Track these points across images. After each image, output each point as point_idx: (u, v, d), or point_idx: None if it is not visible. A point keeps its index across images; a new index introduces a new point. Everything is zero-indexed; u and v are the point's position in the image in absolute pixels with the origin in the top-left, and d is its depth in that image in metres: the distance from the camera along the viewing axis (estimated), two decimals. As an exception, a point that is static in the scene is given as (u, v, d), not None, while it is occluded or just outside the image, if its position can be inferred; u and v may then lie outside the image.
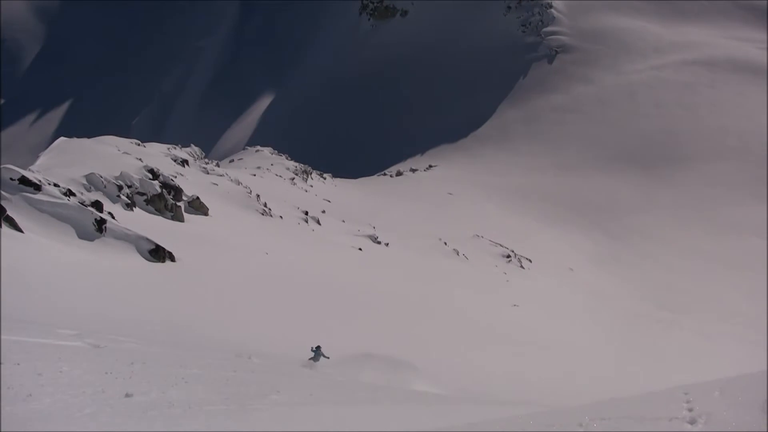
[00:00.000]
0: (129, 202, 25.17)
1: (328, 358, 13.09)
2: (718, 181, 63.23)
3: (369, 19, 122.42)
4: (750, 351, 27.01)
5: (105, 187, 24.51)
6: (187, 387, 8.14)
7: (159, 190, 26.89)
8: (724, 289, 41.54)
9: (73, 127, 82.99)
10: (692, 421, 4.56)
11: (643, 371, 20.55)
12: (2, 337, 8.29)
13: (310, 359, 12.99)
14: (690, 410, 4.74)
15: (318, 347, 13.12)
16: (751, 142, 68.88)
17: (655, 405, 5.14)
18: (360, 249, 34.00)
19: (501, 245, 45.40)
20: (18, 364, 7.28)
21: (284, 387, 9.78)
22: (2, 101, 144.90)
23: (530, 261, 43.76)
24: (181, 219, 27.05)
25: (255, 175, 48.84)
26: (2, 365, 7.05)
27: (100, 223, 18.56)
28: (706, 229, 54.30)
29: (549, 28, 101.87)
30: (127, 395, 7.02)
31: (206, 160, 47.52)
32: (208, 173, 39.77)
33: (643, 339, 29.12)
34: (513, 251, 44.11)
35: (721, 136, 71.47)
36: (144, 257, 18.60)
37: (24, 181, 18.68)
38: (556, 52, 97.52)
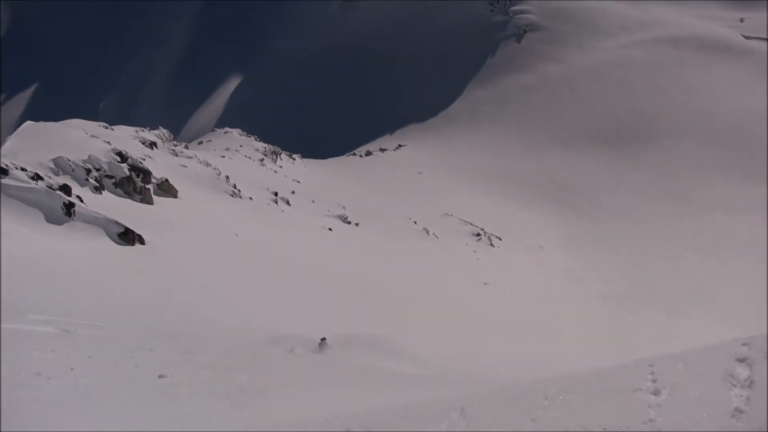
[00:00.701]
0: (97, 185, 24.91)
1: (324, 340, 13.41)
2: (686, 160, 63.57)
3: (337, 0, 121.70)
4: (718, 329, 27.39)
5: (73, 170, 24.22)
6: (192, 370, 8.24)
7: (127, 172, 26.62)
8: (693, 267, 41.90)
9: (39, 112, 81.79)
10: (656, 392, 4.67)
11: (612, 348, 20.80)
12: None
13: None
14: (654, 381, 4.84)
15: (323, 339, 13.46)
16: (719, 121, 69.27)
17: (620, 377, 5.23)
18: (330, 229, 33.98)
19: (471, 224, 45.56)
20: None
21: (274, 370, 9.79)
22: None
23: (500, 239, 43.97)
24: (150, 202, 26.84)
25: (224, 156, 48.46)
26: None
27: (69, 207, 18.36)
28: (674, 208, 54.70)
29: (517, 7, 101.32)
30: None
31: (175, 143, 47.04)
32: (176, 155, 39.40)
33: (612, 317, 29.43)
34: (483, 230, 44.29)
35: (689, 115, 71.77)
36: (113, 240, 18.44)
37: (-10, 165, 18.43)
38: (525, 31, 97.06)
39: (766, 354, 4.78)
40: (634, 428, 4.25)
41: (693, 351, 5.33)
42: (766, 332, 5.27)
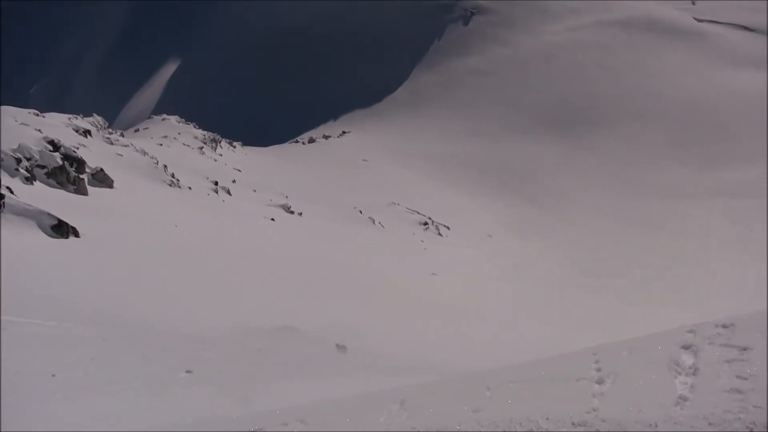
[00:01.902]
0: (28, 175, 24.15)
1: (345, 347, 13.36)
2: (638, 144, 64.19)
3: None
4: (670, 314, 27.79)
5: (2, 160, 23.45)
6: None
7: (60, 162, 25.87)
8: (646, 253, 42.38)
9: (-34, 99, 79.30)
10: (600, 381, 4.62)
11: (562, 336, 20.93)
12: None
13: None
14: (598, 370, 4.79)
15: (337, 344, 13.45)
16: (670, 105, 70.02)
17: (565, 366, 5.17)
18: (273, 219, 33.64)
19: (418, 212, 45.56)
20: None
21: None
22: None
23: (448, 228, 44.06)
24: (84, 192, 26.15)
25: (162, 144, 47.62)
26: None
27: (-2, 199, 17.75)
28: (627, 193, 55.22)
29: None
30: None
31: (110, 130, 46.03)
32: (112, 144, 38.54)
33: (564, 305, 29.64)
34: (430, 218, 44.33)
35: (640, 99, 72.40)
36: (46, 233, 17.87)
37: None
38: (472, 14, 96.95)
39: (711, 341, 4.75)
40: (577, 417, 4.19)
41: (638, 339, 5.30)
42: (716, 317, 5.25)
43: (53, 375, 7.59)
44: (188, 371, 8.92)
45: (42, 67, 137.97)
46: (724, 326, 4.94)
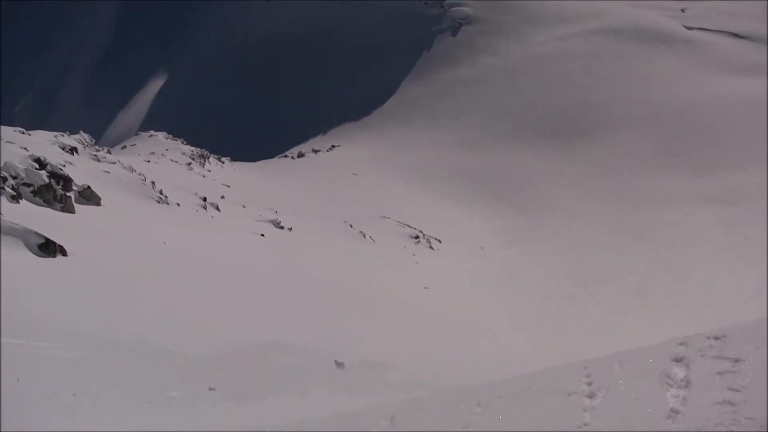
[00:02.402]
0: (15, 194, 24.01)
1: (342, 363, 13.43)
2: (629, 152, 64.06)
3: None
4: (664, 322, 27.78)
5: (-12, 179, 23.35)
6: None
7: (47, 180, 25.73)
8: (639, 262, 42.09)
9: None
10: (591, 395, 4.58)
11: (554, 348, 20.89)
12: None
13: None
14: (589, 384, 4.75)
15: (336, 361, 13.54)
16: (661, 112, 69.96)
17: (556, 380, 5.12)
18: (262, 235, 33.54)
19: (409, 226, 45.48)
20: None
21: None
22: None
23: (439, 241, 44.00)
24: (71, 210, 26.01)
25: (149, 161, 47.48)
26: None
27: (-17, 218, 17.63)
28: (619, 201, 55.04)
29: (451, 0, 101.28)
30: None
31: (97, 147, 45.84)
32: (99, 161, 38.39)
33: (556, 315, 29.61)
34: (421, 231, 44.25)
35: (630, 107, 72.34)
36: (33, 252, 17.74)
37: None
38: (460, 24, 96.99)
39: (702, 353, 4.71)
40: (569, 432, 4.14)
41: (629, 351, 5.25)
42: (708, 327, 5.22)
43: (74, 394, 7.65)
44: (211, 389, 9.13)
45: (27, 84, 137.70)
46: (716, 338, 4.90)
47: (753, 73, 75.01)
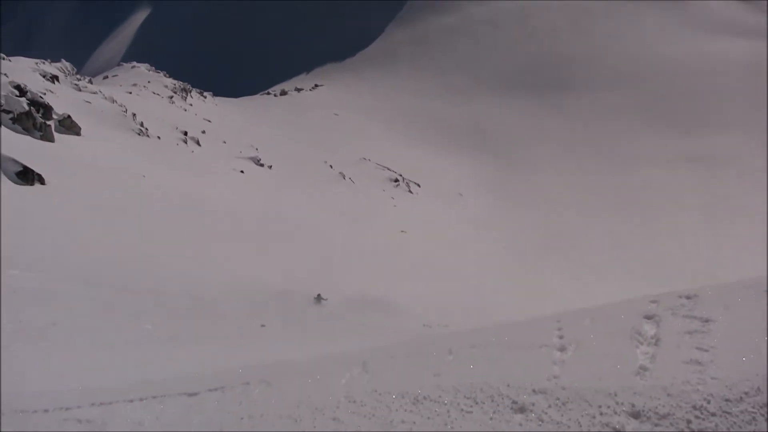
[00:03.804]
0: (-7, 120, 23.70)
1: (326, 299, 13.79)
2: (612, 110, 63.97)
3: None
4: (634, 281, 28.03)
5: (-34, 104, 22.98)
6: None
7: (27, 107, 25.35)
8: (614, 221, 42.39)
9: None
10: (561, 348, 4.63)
11: (526, 300, 21.07)
12: None
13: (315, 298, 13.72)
14: (560, 338, 4.80)
15: (318, 295, 13.97)
16: (646, 71, 69.78)
17: (527, 333, 5.17)
18: (242, 171, 33.39)
19: (389, 169, 45.43)
20: None
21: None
22: None
23: (419, 186, 44.01)
24: (51, 139, 25.70)
25: (131, 92, 46.89)
26: None
27: (-40, 144, 17.38)
28: (598, 160, 55.11)
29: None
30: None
31: (78, 77, 45.26)
32: (80, 90, 37.88)
33: (529, 269, 29.81)
34: (401, 175, 44.22)
35: (616, 64, 72.13)
36: (11, 180, 17.57)
37: None
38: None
39: (673, 312, 4.77)
40: (538, 384, 4.21)
41: (601, 307, 5.30)
42: (680, 288, 5.27)
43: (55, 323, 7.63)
44: (262, 325, 9.15)
45: (9, 9, 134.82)
46: (688, 297, 4.95)
47: (742, 35, 74.80)
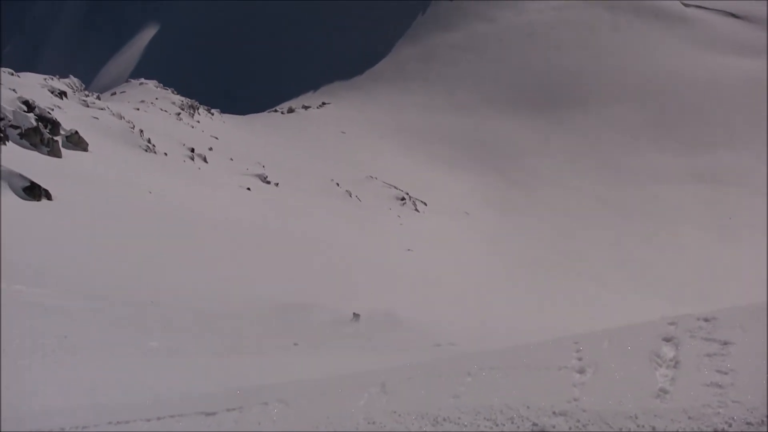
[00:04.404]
0: (1, 135, 23.78)
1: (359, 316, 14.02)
2: (618, 126, 63.92)
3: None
4: (644, 298, 27.97)
5: (-25, 120, 23.10)
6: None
7: (34, 123, 25.47)
8: (622, 236, 42.32)
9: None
10: (581, 371, 4.62)
11: (537, 319, 21.03)
12: None
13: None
14: (579, 359, 4.79)
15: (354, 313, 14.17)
16: (653, 88, 69.75)
17: (546, 354, 5.17)
18: (248, 189, 33.45)
19: (395, 187, 45.49)
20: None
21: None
22: None
23: (425, 204, 44.03)
24: (58, 155, 25.81)
25: (138, 109, 47.10)
26: None
27: (-31, 159, 17.45)
28: (604, 176, 55.06)
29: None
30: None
31: (86, 93, 45.46)
32: (88, 106, 38.07)
33: (539, 286, 29.75)
34: (407, 193, 44.26)
35: (622, 81, 72.05)
36: (18, 195, 17.63)
37: None
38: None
39: (692, 334, 4.77)
40: (558, 406, 4.20)
41: (619, 329, 5.31)
42: (693, 308, 5.27)
43: (65, 336, 7.61)
44: (295, 344, 9.14)
45: (17, 25, 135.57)
46: (706, 320, 4.95)
47: (747, 53, 74.87)
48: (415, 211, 42.02)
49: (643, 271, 35.85)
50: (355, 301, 16.62)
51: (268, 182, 37.17)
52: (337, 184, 41.73)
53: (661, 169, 55.09)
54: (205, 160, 37.78)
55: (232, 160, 41.03)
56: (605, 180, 54.01)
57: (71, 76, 45.51)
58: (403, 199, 43.08)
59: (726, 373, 4.19)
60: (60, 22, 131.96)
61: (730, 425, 3.74)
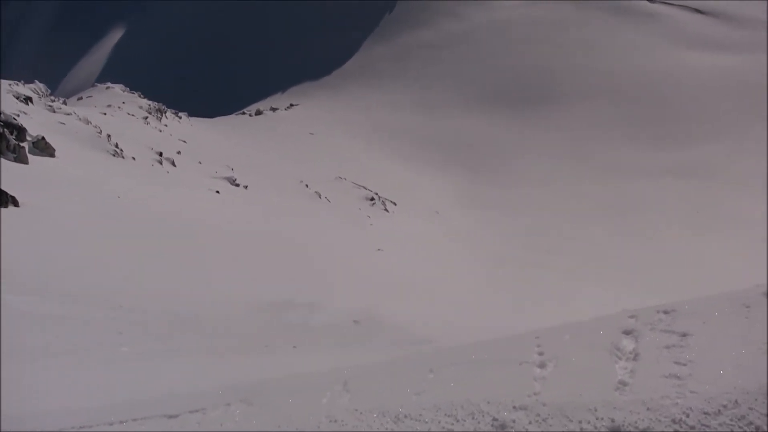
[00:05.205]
0: (-35, 142, 23.49)
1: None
2: (590, 121, 64.43)
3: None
4: (618, 292, 28.13)
5: (-62, 126, 22.76)
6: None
7: (0, 129, 25.19)
8: (596, 230, 42.61)
9: None
10: (542, 365, 4.66)
11: (512, 316, 21.09)
12: None
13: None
14: (540, 354, 4.83)
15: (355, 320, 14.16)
16: (621, 84, 70.43)
17: (507, 349, 5.20)
18: (217, 192, 33.28)
19: (365, 187, 45.47)
20: None
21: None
22: None
23: (395, 204, 44.04)
24: (24, 161, 25.50)
25: (105, 113, 46.65)
26: None
27: (-68, 166, 17.19)
28: (578, 171, 55.40)
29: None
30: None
31: (52, 98, 44.98)
32: (54, 112, 37.65)
33: (513, 283, 29.84)
34: (377, 194, 44.26)
35: (592, 76, 72.69)
36: (-17, 202, 17.40)
37: None
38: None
39: (652, 326, 4.82)
40: (518, 401, 4.24)
41: (580, 323, 5.35)
42: (659, 300, 5.32)
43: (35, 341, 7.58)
44: (266, 345, 9.04)
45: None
46: (665, 312, 5.00)
47: (713, 48, 75.87)
48: (385, 211, 42.03)
49: (618, 265, 36.10)
50: (328, 301, 16.61)
51: (237, 185, 37.01)
52: (307, 186, 41.66)
53: (634, 164, 55.61)
54: (173, 163, 37.54)
55: (200, 163, 40.81)
56: (579, 176, 54.37)
57: (36, 82, 45.05)
58: (372, 199, 43.10)
59: (684, 365, 4.24)
60: (25, 27, 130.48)
61: (688, 415, 3.79)
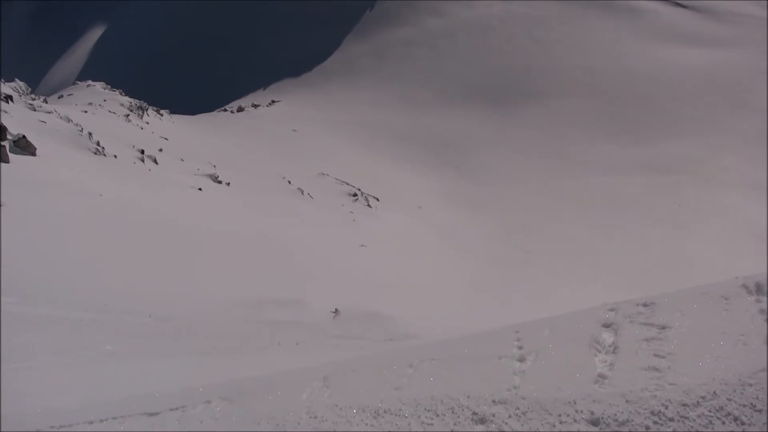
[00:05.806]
0: (-56, 141, 23.28)
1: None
2: (570, 118, 64.66)
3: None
4: (598, 288, 28.30)
5: None
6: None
7: (-21, 128, 24.99)
8: (576, 227, 42.84)
9: None
10: (521, 359, 4.67)
11: (492, 310, 21.15)
12: None
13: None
14: (520, 348, 4.85)
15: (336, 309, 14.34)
16: (602, 80, 70.78)
17: (487, 344, 5.22)
18: (200, 189, 33.14)
19: (347, 183, 45.42)
20: None
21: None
22: None
23: (377, 200, 44.01)
24: (5, 160, 25.28)
25: (86, 111, 46.34)
26: None
27: None
28: (558, 168, 55.59)
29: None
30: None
31: (33, 96, 44.66)
32: (35, 110, 37.36)
33: (492, 278, 29.94)
34: (360, 189, 44.23)
35: (572, 73, 73.00)
36: (-37, 202, 17.27)
37: None
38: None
39: (631, 319, 4.84)
40: (498, 395, 4.25)
41: (560, 316, 5.38)
42: (639, 294, 5.35)
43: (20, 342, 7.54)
44: (279, 344, 8.91)
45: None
46: (645, 305, 5.03)
47: (693, 43, 76.31)
48: (368, 207, 42.01)
49: (597, 261, 36.33)
50: (311, 298, 16.60)
51: (220, 182, 36.88)
52: (289, 182, 41.57)
53: (612, 160, 55.88)
54: (155, 161, 37.35)
55: (182, 160, 40.63)
56: (558, 173, 54.53)
57: (17, 80, 44.76)
58: (355, 195, 43.06)
59: (663, 357, 4.27)
60: (4, 25, 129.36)
61: (667, 407, 3.81)
